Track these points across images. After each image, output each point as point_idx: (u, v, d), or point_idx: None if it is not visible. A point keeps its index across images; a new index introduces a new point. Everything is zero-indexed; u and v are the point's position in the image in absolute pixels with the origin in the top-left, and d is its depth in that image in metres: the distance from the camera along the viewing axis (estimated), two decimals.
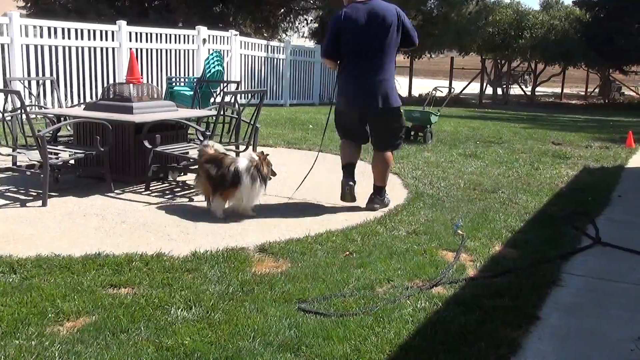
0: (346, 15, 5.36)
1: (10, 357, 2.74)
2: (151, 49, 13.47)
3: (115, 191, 5.90)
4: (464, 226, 5.12)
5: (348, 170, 5.68)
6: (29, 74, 10.91)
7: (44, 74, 11.15)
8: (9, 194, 5.74)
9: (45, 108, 8.77)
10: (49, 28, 11.44)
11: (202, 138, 6.16)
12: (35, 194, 5.70)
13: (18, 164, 6.14)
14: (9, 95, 6.12)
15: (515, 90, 33.69)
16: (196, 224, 4.99)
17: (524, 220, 5.48)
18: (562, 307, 3.58)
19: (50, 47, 11.37)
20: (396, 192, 6.37)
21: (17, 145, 6.14)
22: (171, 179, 6.51)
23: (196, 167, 6.17)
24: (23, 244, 4.29)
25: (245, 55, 16.64)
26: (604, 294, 3.87)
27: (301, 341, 2.97)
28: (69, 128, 7.05)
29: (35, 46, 11.12)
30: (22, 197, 5.65)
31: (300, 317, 3.25)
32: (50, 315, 3.15)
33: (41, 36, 11.29)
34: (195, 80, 10.03)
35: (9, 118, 6.18)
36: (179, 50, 14.22)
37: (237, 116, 6.87)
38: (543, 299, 3.66)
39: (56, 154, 5.71)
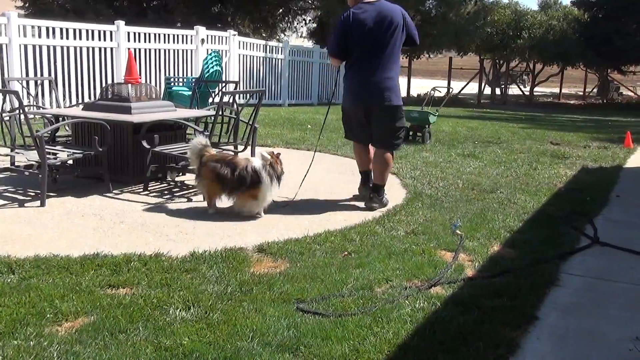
0: (354, 16, 5.50)
1: (8, 357, 2.74)
2: (149, 49, 13.46)
3: (114, 191, 5.90)
4: (462, 226, 5.12)
5: (364, 176, 5.99)
6: (27, 74, 10.91)
7: (42, 74, 11.14)
8: (7, 194, 5.73)
9: (43, 108, 8.77)
10: (47, 28, 11.43)
11: None
12: (34, 194, 5.69)
13: (16, 164, 6.14)
14: (7, 95, 6.11)
15: (513, 90, 33.75)
16: (195, 224, 4.99)
17: (522, 220, 5.48)
18: (560, 307, 3.58)
19: (48, 47, 11.36)
20: (395, 192, 6.37)
21: (16, 146, 6.13)
22: (169, 179, 6.51)
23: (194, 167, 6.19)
24: (21, 244, 4.29)
25: (243, 55, 16.64)
26: (602, 294, 3.87)
27: (300, 341, 2.97)
28: (67, 128, 7.05)
29: (34, 46, 11.12)
30: (21, 197, 5.65)
31: (299, 317, 3.25)
32: (48, 315, 3.14)
33: (39, 36, 11.29)
34: (193, 80, 10.04)
35: (7, 118, 6.17)
36: (178, 51, 14.21)
37: (235, 116, 6.87)
38: (541, 299, 3.66)
39: (54, 154, 5.71)
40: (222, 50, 15.34)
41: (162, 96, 10.58)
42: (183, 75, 14.14)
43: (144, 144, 5.89)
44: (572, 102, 33.75)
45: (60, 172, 6.12)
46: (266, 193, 5.22)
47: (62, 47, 11.61)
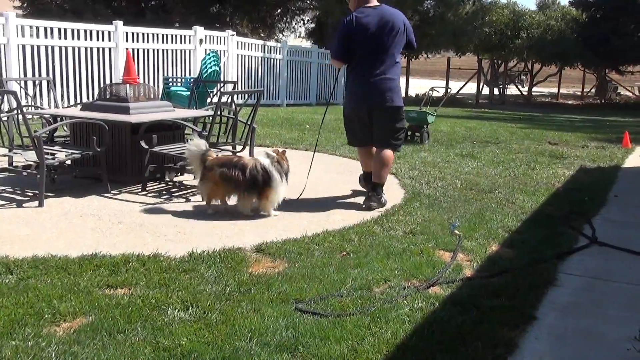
0: (357, 20, 5.64)
1: (6, 358, 2.73)
2: (148, 49, 13.46)
3: (112, 192, 5.90)
4: (460, 226, 5.12)
5: (368, 176, 6.02)
6: (25, 74, 10.90)
7: (40, 74, 11.14)
8: (5, 194, 5.72)
9: (41, 108, 8.76)
10: (45, 28, 11.43)
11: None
12: (32, 194, 5.69)
13: (14, 164, 6.14)
14: (5, 95, 6.11)
15: (511, 90, 33.80)
16: (193, 225, 4.99)
17: (520, 220, 5.49)
18: (558, 307, 3.58)
19: (46, 47, 11.36)
20: (393, 192, 6.37)
21: (14, 146, 6.12)
22: (168, 179, 6.50)
23: (192, 167, 6.18)
24: (19, 245, 4.29)
25: (242, 55, 16.64)
26: (600, 293, 3.88)
27: (298, 341, 2.97)
28: (65, 128, 7.04)
29: (32, 46, 11.11)
30: (19, 197, 5.64)
31: (297, 317, 3.25)
32: (46, 315, 3.14)
33: (37, 36, 11.28)
34: (192, 80, 10.04)
35: (6, 118, 6.16)
36: (176, 51, 14.21)
37: (233, 116, 6.87)
38: (540, 299, 3.67)
39: (53, 154, 5.70)
40: (220, 51, 15.34)
41: (160, 96, 10.57)
42: (181, 75, 14.13)
43: (142, 144, 5.89)
44: (570, 102, 33.80)
45: (58, 173, 6.12)
46: (278, 190, 5.28)
47: (60, 47, 11.60)
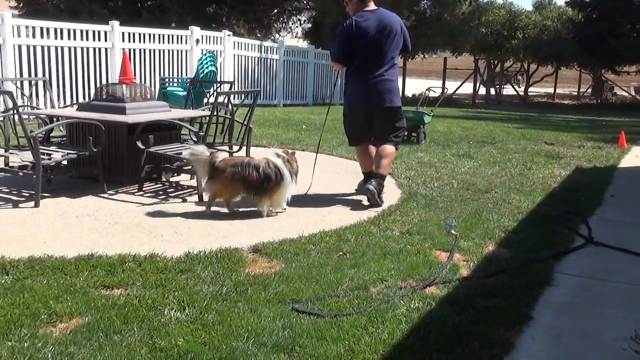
0: (357, 24, 5.80)
1: (2, 358, 2.73)
2: (144, 50, 13.44)
3: (108, 192, 5.88)
4: (457, 226, 5.13)
5: (366, 177, 6.12)
6: (21, 75, 10.88)
7: (36, 75, 11.11)
8: (1, 194, 5.71)
9: (37, 109, 8.74)
10: (41, 28, 11.40)
11: (195, 139, 6.15)
12: (28, 194, 5.68)
13: (10, 164, 6.11)
14: (2, 95, 6.09)
15: (508, 90, 33.82)
16: (189, 225, 4.98)
17: (517, 220, 5.50)
18: (555, 307, 3.59)
19: (42, 47, 11.33)
20: (390, 192, 6.37)
21: (10, 146, 6.11)
22: (164, 180, 6.50)
23: (189, 167, 6.18)
24: (15, 245, 4.28)
25: (238, 55, 16.62)
26: (596, 293, 3.88)
27: (295, 341, 2.97)
28: (61, 129, 7.03)
29: (28, 46, 11.08)
30: (15, 197, 5.63)
31: (294, 317, 3.25)
32: (43, 316, 3.14)
33: (33, 36, 11.26)
34: (188, 80, 10.02)
35: (2, 119, 6.15)
36: (172, 51, 14.19)
37: (230, 117, 6.86)
38: (536, 299, 3.67)
39: (49, 154, 5.69)
40: (216, 51, 15.33)
41: (156, 96, 10.55)
42: (178, 75, 14.12)
43: (139, 144, 5.88)
44: (566, 102, 33.87)
45: (54, 173, 6.10)
46: (289, 188, 5.35)
47: (56, 48, 11.57)
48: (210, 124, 6.44)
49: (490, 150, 9.97)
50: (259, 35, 26.94)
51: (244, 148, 6.85)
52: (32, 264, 3.83)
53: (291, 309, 3.36)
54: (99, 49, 12.44)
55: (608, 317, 3.49)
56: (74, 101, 11.70)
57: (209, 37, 15.37)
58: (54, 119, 6.58)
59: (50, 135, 6.75)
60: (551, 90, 36.84)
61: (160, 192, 6.07)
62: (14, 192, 5.80)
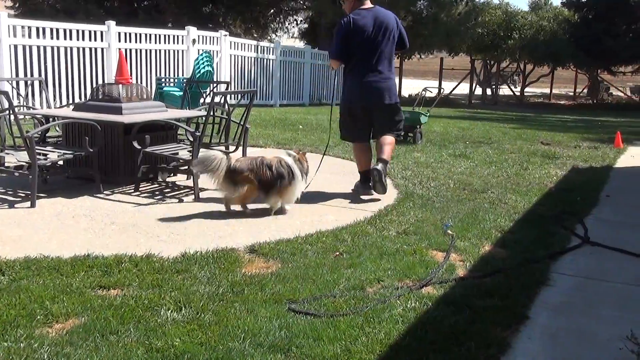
0: (355, 22, 5.93)
1: None
2: (140, 50, 13.43)
3: (105, 192, 5.88)
4: (453, 226, 5.13)
5: (363, 177, 6.22)
6: (17, 75, 10.86)
7: (32, 75, 11.09)
8: None
9: (33, 109, 8.72)
10: (37, 28, 11.39)
11: (191, 139, 6.14)
12: (24, 195, 5.66)
13: (6, 164, 6.11)
14: None
15: (504, 90, 33.87)
16: (186, 225, 4.98)
17: (513, 220, 5.50)
18: (551, 307, 3.59)
19: (38, 47, 11.32)
20: (386, 192, 6.37)
21: (5, 146, 6.10)
22: (161, 180, 6.49)
23: (185, 167, 6.17)
24: (11, 246, 4.27)
25: (235, 55, 16.62)
26: (593, 293, 3.89)
27: (291, 342, 2.97)
28: (57, 129, 7.02)
29: (24, 46, 11.07)
30: (11, 198, 5.62)
31: (291, 317, 3.25)
32: (39, 317, 3.13)
33: (29, 36, 11.24)
34: (184, 80, 10.01)
35: None
36: (169, 51, 14.18)
37: (226, 117, 6.86)
38: (532, 299, 3.68)
39: (45, 154, 5.68)
40: (213, 51, 15.32)
41: (153, 97, 10.54)
42: (174, 75, 14.11)
43: (135, 144, 5.87)
44: (562, 102, 33.92)
45: (50, 173, 6.10)
46: (299, 187, 5.42)
47: (52, 48, 11.56)
48: (206, 124, 6.43)
49: (486, 150, 9.98)
50: (255, 35, 26.93)
51: (240, 148, 6.84)
52: (28, 265, 3.83)
53: (288, 309, 3.35)
54: (95, 49, 12.43)
55: (604, 317, 3.50)
56: (70, 101, 11.69)
57: (206, 37, 15.37)
58: (50, 119, 6.57)
59: (46, 135, 6.74)
60: (547, 90, 36.89)
61: (157, 193, 6.06)
62: (10, 193, 5.79)
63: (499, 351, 3.00)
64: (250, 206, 5.43)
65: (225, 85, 9.55)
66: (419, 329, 3.17)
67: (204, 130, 6.38)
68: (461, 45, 28.08)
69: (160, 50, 13.92)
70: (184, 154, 6.13)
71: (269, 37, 28.25)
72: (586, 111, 25.77)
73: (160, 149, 6.07)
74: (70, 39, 11.90)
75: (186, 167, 6.20)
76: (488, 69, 32.82)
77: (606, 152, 10.35)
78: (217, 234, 4.77)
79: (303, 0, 26.97)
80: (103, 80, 12.36)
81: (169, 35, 14.23)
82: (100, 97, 6.46)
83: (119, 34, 12.86)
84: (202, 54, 11.32)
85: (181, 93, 9.42)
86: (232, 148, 6.72)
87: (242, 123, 6.81)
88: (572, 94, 38.61)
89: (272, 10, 27.39)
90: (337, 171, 7.43)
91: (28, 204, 5.35)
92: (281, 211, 5.46)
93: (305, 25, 28.99)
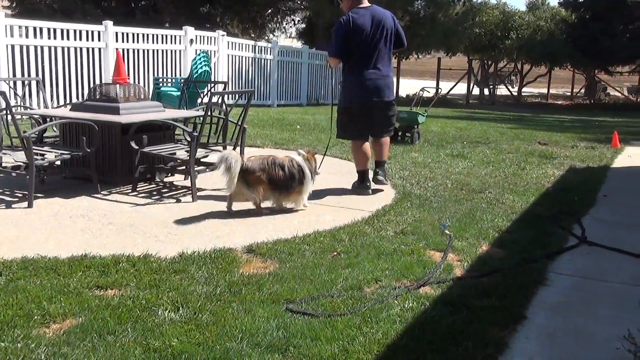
0: (354, 21, 6.02)
1: None
2: (138, 50, 13.42)
3: (102, 192, 5.87)
4: (451, 226, 5.13)
5: (361, 176, 6.32)
6: (14, 75, 10.84)
7: (29, 75, 11.08)
8: None
9: (30, 109, 8.71)
10: (34, 28, 11.37)
11: (189, 139, 6.13)
12: (21, 195, 5.66)
13: (3, 165, 6.10)
14: None
15: (501, 90, 33.92)
16: (183, 225, 4.97)
17: (510, 220, 5.51)
18: (548, 307, 3.60)
19: (36, 47, 11.30)
20: (384, 192, 6.38)
21: (3, 146, 6.09)
22: (158, 180, 6.48)
23: (183, 167, 6.17)
24: (8, 246, 4.26)
25: (232, 55, 16.61)
26: (590, 293, 3.89)
27: (289, 342, 2.97)
28: (55, 129, 7.01)
29: (21, 46, 11.05)
30: (8, 198, 5.61)
31: (288, 317, 3.25)
32: (36, 317, 3.13)
33: (27, 36, 11.22)
34: (182, 80, 10.01)
35: None
36: (166, 51, 14.17)
37: (224, 117, 6.86)
38: (530, 299, 3.68)
39: (42, 154, 5.68)
40: (210, 51, 15.31)
41: (150, 97, 10.52)
42: (172, 75, 14.10)
43: (133, 144, 5.87)
44: (559, 102, 33.97)
45: (47, 173, 6.09)
46: (309, 186, 5.48)
47: (49, 48, 11.54)
48: (204, 124, 6.43)
49: (484, 150, 9.99)
50: (253, 35, 26.92)
51: (238, 148, 6.84)
52: (26, 265, 3.82)
53: (285, 309, 3.35)
54: (93, 49, 12.41)
55: (601, 317, 3.50)
56: (68, 101, 11.68)
57: (203, 37, 15.35)
58: (47, 119, 6.56)
59: (44, 135, 6.73)
60: (544, 90, 36.96)
61: (154, 193, 6.06)
62: (7, 193, 5.78)
63: (496, 351, 3.00)
64: (242, 205, 5.43)
65: (223, 85, 9.54)
66: (417, 329, 3.17)
67: (202, 131, 6.37)
68: (459, 45, 28.10)
69: (157, 50, 13.91)
70: (182, 154, 6.12)
71: (266, 37, 28.25)
72: (583, 111, 25.80)
73: (158, 149, 6.07)
74: (68, 39, 11.88)
75: (184, 167, 6.20)
76: (485, 69, 32.86)
77: (603, 152, 10.36)
78: (214, 234, 4.77)
79: (300, 0, 26.97)
80: (100, 80, 12.34)
81: (166, 35, 14.22)
82: (97, 97, 6.45)
83: (117, 33, 12.85)
84: (199, 54, 11.31)
85: (179, 93, 9.42)
86: (229, 148, 6.71)
87: (239, 123, 6.81)
88: (569, 94, 38.70)
89: (269, 10, 27.39)
90: (334, 171, 7.42)
91: (25, 204, 5.35)
92: (292, 209, 5.54)
93: (303, 25, 28.99)
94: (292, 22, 29.70)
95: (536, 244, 4.78)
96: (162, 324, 3.11)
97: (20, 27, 11.21)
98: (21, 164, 5.78)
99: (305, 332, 3.07)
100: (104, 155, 6.17)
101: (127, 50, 13.09)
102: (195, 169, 5.95)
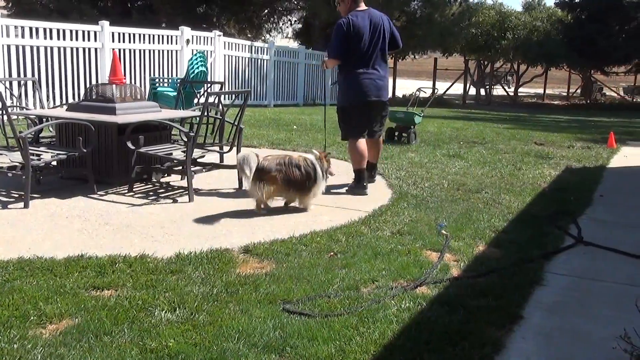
0: (353, 23, 6.16)
1: None
2: (134, 50, 13.41)
3: (98, 192, 5.86)
4: (447, 226, 5.14)
5: (359, 175, 6.36)
6: (10, 75, 10.82)
7: (25, 75, 11.06)
8: None
9: (27, 109, 8.69)
10: (30, 28, 11.35)
11: (185, 139, 6.13)
12: (17, 195, 5.65)
13: None
14: None
15: (498, 91, 33.95)
16: (180, 226, 4.97)
17: (507, 220, 5.51)
18: (545, 307, 3.60)
19: (32, 47, 11.28)
20: (380, 192, 6.38)
21: None
22: (155, 180, 6.48)
23: (179, 168, 6.16)
24: (5, 246, 4.25)
25: (229, 55, 16.60)
26: (586, 292, 3.90)
27: (286, 342, 2.97)
28: (51, 129, 6.99)
29: (17, 46, 11.03)
30: (4, 198, 5.60)
31: (285, 317, 3.25)
32: (32, 317, 3.12)
33: (23, 36, 11.20)
34: (178, 81, 10.00)
35: None
36: (163, 51, 14.16)
37: (220, 117, 6.85)
38: (526, 299, 3.68)
39: (38, 155, 5.67)
40: (207, 51, 15.30)
41: (147, 97, 10.51)
42: (168, 75, 14.09)
43: (129, 144, 5.86)
44: (556, 102, 34.03)
45: (44, 174, 6.08)
46: (321, 186, 5.55)
47: (45, 48, 11.53)
48: (200, 124, 6.42)
49: (480, 150, 10.00)
50: (249, 35, 26.92)
51: (235, 149, 6.83)
52: (22, 265, 3.81)
53: (282, 310, 3.35)
54: (89, 49, 12.40)
55: (598, 317, 3.51)
56: (64, 101, 11.67)
57: (200, 37, 15.34)
58: (44, 120, 6.55)
59: (40, 135, 6.72)
60: (541, 90, 37.01)
61: (151, 193, 6.05)
62: (3, 193, 5.77)
63: (493, 351, 3.00)
64: (238, 205, 5.43)
65: (219, 85, 9.54)
66: (413, 329, 3.17)
67: (198, 131, 6.37)
68: (455, 46, 28.13)
69: (154, 51, 13.90)
70: (178, 154, 6.12)
71: (263, 38, 28.25)
72: (579, 111, 25.85)
73: (154, 150, 6.06)
74: (64, 39, 11.87)
75: (180, 168, 6.19)
76: (482, 69, 32.89)
77: (599, 152, 10.38)
78: (211, 234, 4.77)
79: (297, 0, 26.97)
80: (97, 81, 12.33)
81: (162, 36, 14.21)
82: (94, 97, 6.44)
83: (113, 34, 12.83)
84: (196, 54, 11.29)
85: (175, 93, 9.41)
86: (226, 148, 6.71)
87: (236, 123, 6.80)
88: (565, 94, 38.75)
89: (266, 11, 27.38)
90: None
91: (21, 204, 5.34)
92: (305, 209, 5.60)
93: (299, 26, 28.99)
94: (289, 22, 29.71)
95: (532, 244, 4.79)
96: (158, 325, 3.10)
97: (16, 27, 11.19)
98: (17, 164, 5.77)
99: (302, 333, 3.07)
100: (101, 156, 6.16)
101: (124, 50, 13.08)
102: (192, 169, 5.95)
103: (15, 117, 6.72)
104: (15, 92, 9.64)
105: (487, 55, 31.09)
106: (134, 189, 6.07)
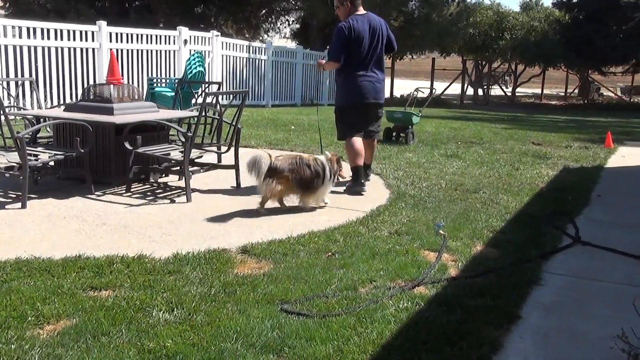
0: (354, 27, 6.32)
1: None
2: (132, 50, 13.39)
3: (96, 193, 5.86)
4: (445, 226, 5.14)
5: (356, 172, 6.42)
6: (7, 75, 10.81)
7: (23, 75, 11.04)
8: None
9: (24, 109, 8.68)
10: (28, 28, 11.34)
11: (183, 139, 6.13)
12: (15, 196, 5.64)
13: None
14: None
15: (495, 91, 33.98)
16: (178, 226, 4.97)
17: (505, 220, 5.52)
18: (543, 306, 3.61)
19: (29, 47, 11.27)
20: (378, 192, 6.38)
21: None
22: (152, 181, 6.47)
23: (177, 168, 6.16)
24: (2, 247, 4.24)
25: (226, 56, 16.60)
26: (584, 292, 3.91)
27: (284, 342, 2.97)
28: (48, 129, 6.99)
29: (14, 47, 11.02)
30: (1, 199, 5.59)
31: (283, 318, 3.25)
32: (30, 318, 3.11)
33: (20, 36, 11.19)
34: (176, 81, 9.99)
35: None
36: (160, 51, 14.15)
37: (218, 117, 6.85)
38: (524, 298, 3.69)
39: (36, 155, 5.66)
40: (205, 51, 15.29)
41: (144, 97, 10.52)
42: (166, 76, 14.08)
43: (127, 145, 5.85)
44: (553, 102, 34.07)
45: (41, 174, 6.07)
46: (328, 187, 5.67)
47: (43, 48, 11.51)
48: (198, 124, 6.42)
49: (478, 150, 10.01)
50: (247, 35, 26.91)
51: (232, 149, 6.83)
52: (19, 266, 3.81)
53: (280, 310, 3.35)
54: (87, 49, 12.39)
55: (595, 316, 3.51)
56: (61, 102, 11.64)
57: (197, 37, 15.34)
58: (41, 120, 6.54)
59: (37, 136, 6.71)
60: (538, 90, 37.03)
61: (148, 193, 6.05)
62: (1, 194, 5.76)
63: (491, 351, 3.00)
64: (236, 206, 5.43)
65: (217, 85, 9.53)
66: (411, 329, 3.18)
67: (196, 131, 6.36)
68: (453, 46, 28.15)
69: (151, 51, 13.89)
70: (176, 154, 6.11)
71: (260, 38, 28.23)
72: (577, 111, 25.88)
73: (152, 150, 6.06)
74: (62, 39, 11.86)
75: (178, 168, 6.19)
76: (479, 69, 32.91)
77: (597, 152, 10.40)
78: (209, 234, 4.76)
79: (295, 0, 26.97)
80: (94, 81, 12.32)
81: (160, 36, 14.20)
82: (91, 97, 6.43)
83: (110, 34, 12.82)
84: (193, 55, 11.30)
85: (173, 93, 9.40)
86: (223, 149, 6.70)
87: (234, 123, 6.79)
88: (563, 94, 38.77)
89: (263, 11, 27.37)
90: None
91: (19, 204, 5.33)
92: (312, 209, 5.65)
93: (297, 26, 28.99)
94: (287, 22, 29.72)
95: (530, 243, 4.79)
96: (156, 325, 3.10)
97: (13, 27, 11.18)
98: (15, 164, 5.76)
99: (300, 333, 3.07)
100: (98, 156, 6.16)
101: (121, 50, 13.06)
102: (190, 169, 5.94)
103: (12, 117, 6.71)
104: (13, 92, 9.65)
105: (484, 56, 31.11)
106: (131, 190, 6.06)
